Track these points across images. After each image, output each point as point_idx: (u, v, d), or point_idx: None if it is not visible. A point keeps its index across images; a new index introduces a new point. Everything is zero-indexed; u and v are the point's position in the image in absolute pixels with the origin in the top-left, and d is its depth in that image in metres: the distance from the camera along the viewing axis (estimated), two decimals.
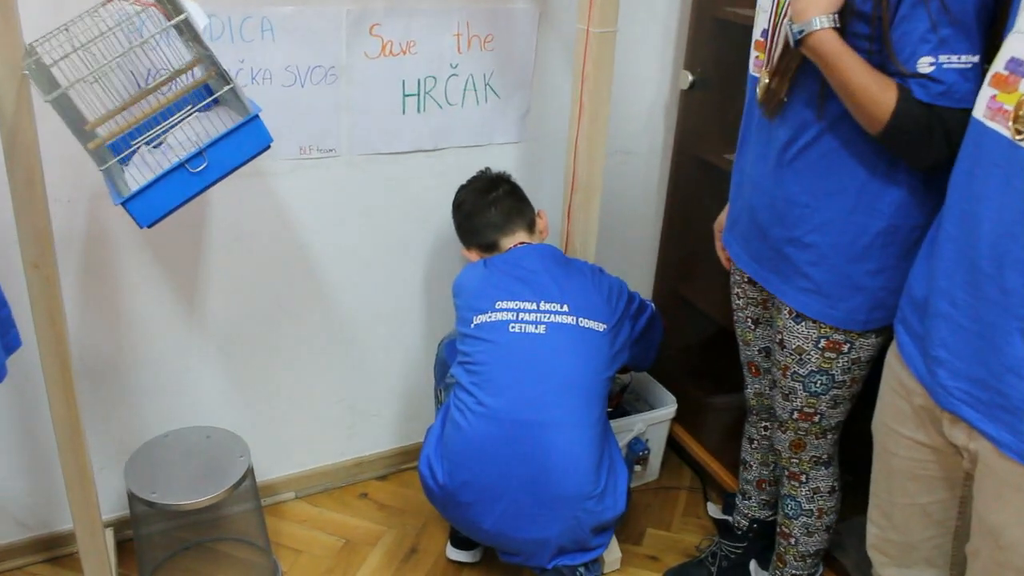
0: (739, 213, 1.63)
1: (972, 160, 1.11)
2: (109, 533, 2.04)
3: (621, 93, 2.22)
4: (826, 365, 1.53)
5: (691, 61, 2.19)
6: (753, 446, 1.91)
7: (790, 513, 1.74)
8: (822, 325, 1.49)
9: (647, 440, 2.29)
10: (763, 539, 1.97)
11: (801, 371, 1.56)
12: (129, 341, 1.95)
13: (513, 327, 1.73)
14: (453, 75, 2.01)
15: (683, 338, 2.53)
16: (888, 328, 1.46)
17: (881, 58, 1.27)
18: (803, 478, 1.71)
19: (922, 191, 1.37)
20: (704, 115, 2.24)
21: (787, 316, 1.54)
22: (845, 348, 1.50)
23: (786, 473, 1.73)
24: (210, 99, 1.38)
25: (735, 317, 1.79)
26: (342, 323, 2.16)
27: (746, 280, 1.69)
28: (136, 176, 1.49)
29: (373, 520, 2.24)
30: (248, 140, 1.35)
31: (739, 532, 1.98)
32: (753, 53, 1.53)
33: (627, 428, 2.25)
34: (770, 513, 1.95)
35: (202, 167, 1.33)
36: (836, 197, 1.40)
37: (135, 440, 2.00)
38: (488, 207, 1.91)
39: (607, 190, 2.30)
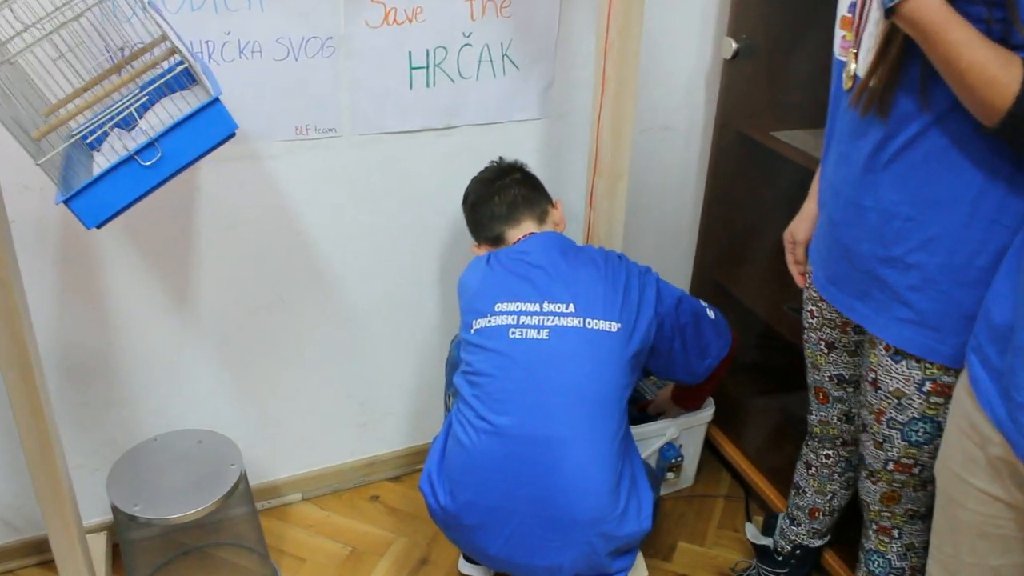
0: (821, 227, 1.38)
1: None
2: (102, 538, 1.93)
3: (656, 63, 2.00)
4: (931, 412, 1.28)
5: (735, 27, 1.94)
6: (810, 472, 1.70)
7: (876, 571, 1.52)
8: (928, 364, 1.24)
9: (680, 446, 2.10)
10: (805, 567, 1.77)
11: (899, 418, 1.32)
12: (117, 337, 1.81)
13: (513, 332, 1.53)
14: (466, 45, 1.80)
15: None
16: None
17: (1003, 28, 0.98)
18: (895, 533, 1.47)
19: None
20: (749, 87, 2.00)
21: (883, 352, 1.29)
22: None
23: (874, 527, 1.50)
24: (166, 77, 1.19)
25: (805, 337, 1.55)
26: (349, 316, 2.00)
27: (823, 298, 1.46)
28: (104, 163, 1.34)
29: (382, 526, 2.09)
30: (208, 127, 1.18)
31: (780, 558, 1.78)
32: (839, 32, 1.26)
33: (658, 433, 2.06)
34: (820, 543, 1.75)
35: (155, 159, 1.16)
36: (946, 208, 1.14)
37: (129, 440, 1.88)
38: (492, 196, 1.72)
39: (641, 170, 2.09)
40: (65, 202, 1.15)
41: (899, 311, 1.24)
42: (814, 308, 1.49)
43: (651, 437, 2.06)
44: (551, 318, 1.53)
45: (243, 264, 1.84)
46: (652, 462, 2.09)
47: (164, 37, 1.39)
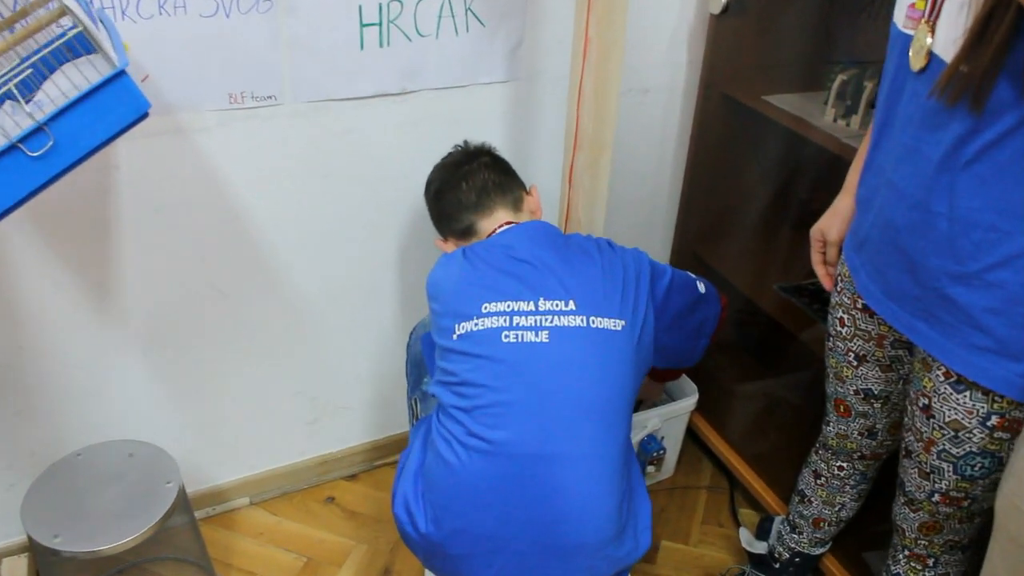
0: (870, 230, 1.18)
1: None
2: (23, 561, 1.72)
3: (634, 16, 1.75)
4: (993, 447, 1.12)
5: None
6: (819, 482, 1.55)
7: None
8: (997, 397, 1.07)
9: (663, 438, 1.94)
10: (802, 573, 1.64)
11: (954, 450, 1.16)
12: (29, 339, 1.57)
13: (507, 336, 1.33)
14: None
15: None
16: None
17: None
18: (931, 562, 1.33)
19: None
20: (738, 46, 1.80)
21: (941, 378, 1.12)
22: None
23: (906, 552, 1.35)
24: (52, 45, 0.96)
25: (830, 345, 1.38)
26: (296, 305, 1.78)
27: (859, 306, 1.27)
28: None
29: (340, 532, 1.91)
30: (113, 107, 0.95)
31: (777, 565, 1.65)
32: (906, 0, 1.05)
33: (639, 425, 1.90)
34: (821, 550, 1.62)
35: (45, 148, 0.93)
36: None
37: (52, 452, 1.66)
38: (459, 182, 1.50)
39: (617, 135, 1.89)
40: None
41: (971, 336, 1.06)
42: (845, 316, 1.32)
43: (631, 430, 1.90)
44: (549, 317, 1.34)
45: (173, 252, 1.61)
46: None
47: None
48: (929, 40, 0.99)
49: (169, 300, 1.65)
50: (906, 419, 1.24)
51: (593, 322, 1.33)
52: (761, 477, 1.90)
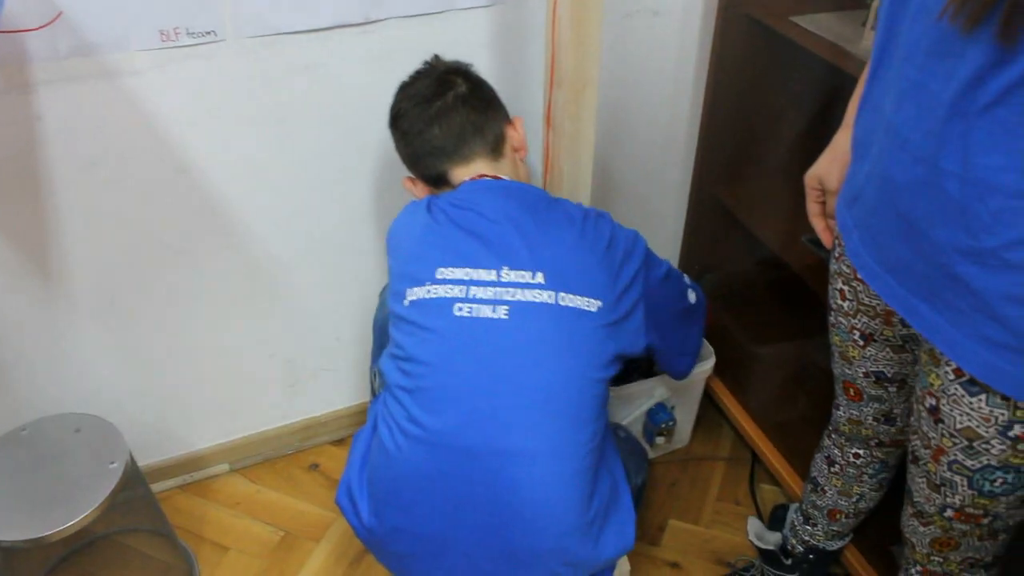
0: (865, 183, 0.95)
1: None
2: None
3: None
4: (1018, 461, 0.91)
5: None
6: (833, 470, 1.35)
7: None
8: (1022, 404, 0.87)
9: (673, 408, 1.75)
10: (820, 570, 1.45)
11: (969, 463, 0.96)
12: None
13: (460, 308, 1.15)
14: None
15: (725, 264, 1.93)
16: None
17: None
18: None
19: None
20: None
21: (951, 376, 0.92)
22: None
23: (918, 568, 1.15)
24: None
25: (832, 320, 1.17)
26: (259, 263, 1.62)
27: (861, 276, 1.04)
28: None
29: (321, 503, 1.78)
30: None
31: (790, 560, 1.46)
32: None
33: (646, 393, 1.71)
34: (839, 544, 1.42)
35: None
36: None
37: (7, 423, 1.56)
38: (431, 125, 1.28)
39: (626, 64, 1.68)
40: None
41: (986, 327, 0.83)
42: (846, 288, 1.10)
43: (638, 398, 1.71)
44: (511, 291, 1.14)
45: (116, 209, 1.45)
46: (638, 428, 1.76)
47: None
48: None
49: (117, 261, 1.51)
50: (912, 419, 1.03)
51: (562, 299, 1.14)
52: (781, 452, 1.71)
